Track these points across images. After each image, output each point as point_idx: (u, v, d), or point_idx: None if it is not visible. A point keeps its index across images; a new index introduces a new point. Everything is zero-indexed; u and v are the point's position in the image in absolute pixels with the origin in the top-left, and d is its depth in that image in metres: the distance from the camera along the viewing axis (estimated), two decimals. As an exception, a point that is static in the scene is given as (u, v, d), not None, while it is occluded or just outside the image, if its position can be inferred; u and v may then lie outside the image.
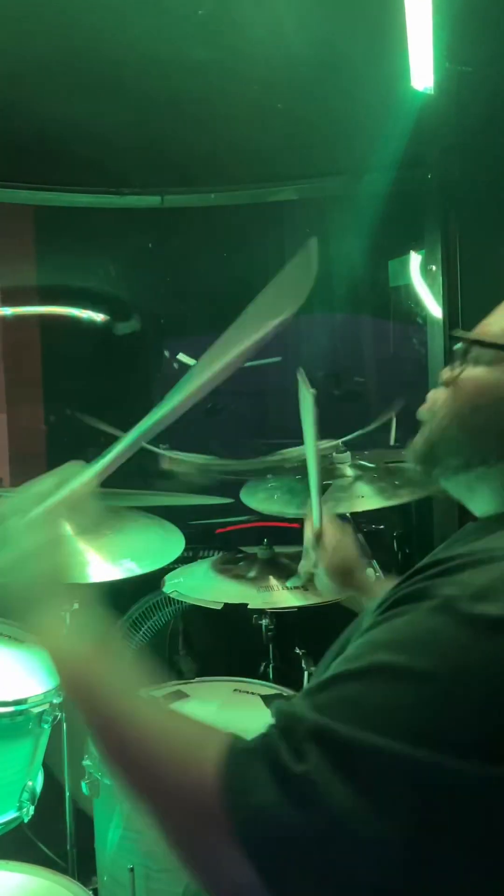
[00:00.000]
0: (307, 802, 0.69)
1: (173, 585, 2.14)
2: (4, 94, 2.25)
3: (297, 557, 2.27)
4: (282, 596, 1.99)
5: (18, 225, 3.10)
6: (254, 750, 0.74)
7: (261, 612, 2.14)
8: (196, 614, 2.41)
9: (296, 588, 1.78)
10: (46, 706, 1.62)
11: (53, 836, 1.99)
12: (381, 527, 2.59)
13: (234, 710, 1.85)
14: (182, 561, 2.06)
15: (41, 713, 1.62)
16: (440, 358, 2.40)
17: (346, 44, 2.12)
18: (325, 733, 0.70)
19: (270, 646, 2.18)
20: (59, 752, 1.86)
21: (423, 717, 0.69)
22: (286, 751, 0.71)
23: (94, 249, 3.15)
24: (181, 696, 1.91)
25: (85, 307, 3.23)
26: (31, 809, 1.66)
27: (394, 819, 0.67)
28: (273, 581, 2.06)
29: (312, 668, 2.02)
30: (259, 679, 2.02)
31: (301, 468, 2.17)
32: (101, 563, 1.75)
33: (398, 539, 2.69)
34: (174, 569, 2.17)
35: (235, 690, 1.94)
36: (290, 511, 2.13)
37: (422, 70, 2.06)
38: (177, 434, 3.43)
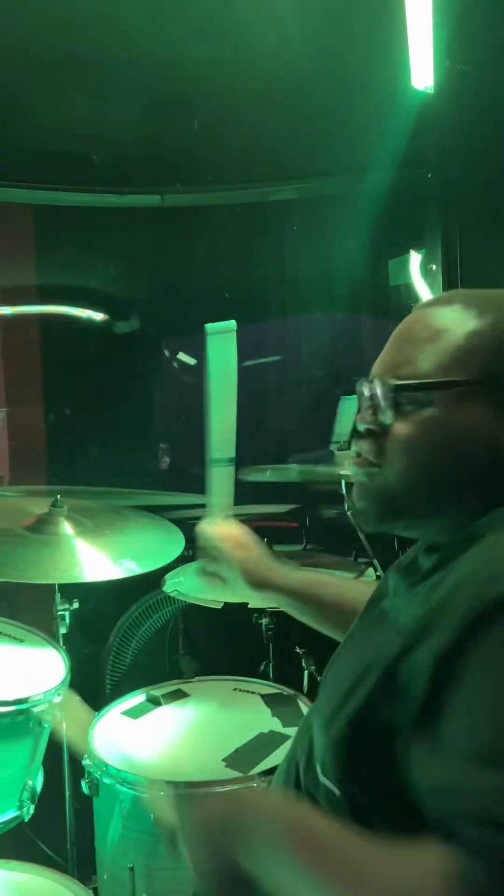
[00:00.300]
0: None
1: (173, 585, 2.14)
2: (5, 94, 2.25)
3: (297, 557, 2.27)
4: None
5: (18, 225, 3.10)
6: (480, 855, 0.71)
7: (261, 612, 2.15)
8: (196, 614, 2.41)
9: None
10: (46, 706, 1.62)
11: (53, 835, 1.99)
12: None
13: (234, 709, 1.85)
14: (182, 560, 2.06)
15: (42, 713, 1.62)
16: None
17: (346, 43, 2.13)
18: None
19: (270, 645, 2.18)
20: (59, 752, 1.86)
21: None
22: None
23: (94, 249, 3.15)
24: (181, 695, 1.91)
25: (85, 307, 3.23)
26: (32, 809, 1.66)
27: None
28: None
29: (312, 668, 2.02)
30: (259, 678, 2.02)
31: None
32: (102, 563, 1.75)
33: (398, 539, 2.68)
34: (174, 568, 2.17)
35: (235, 689, 1.94)
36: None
37: (422, 69, 2.06)
38: (177, 434, 3.44)
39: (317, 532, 2.67)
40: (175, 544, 1.94)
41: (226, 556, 1.41)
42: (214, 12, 2.05)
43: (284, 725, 1.74)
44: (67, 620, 1.92)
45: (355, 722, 0.87)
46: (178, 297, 3.32)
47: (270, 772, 1.52)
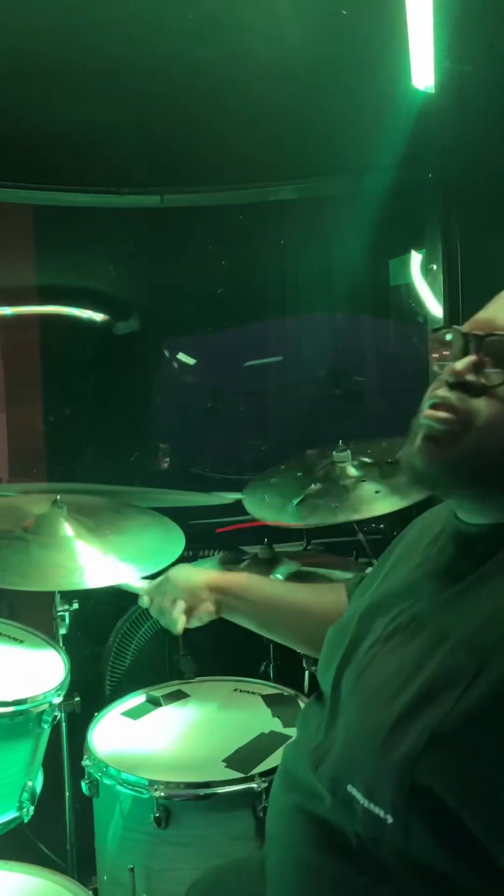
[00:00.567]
0: None
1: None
2: (5, 94, 2.25)
3: (296, 557, 2.27)
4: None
5: (18, 225, 3.10)
6: None
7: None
8: (196, 614, 2.41)
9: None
10: (46, 706, 1.61)
11: (53, 836, 1.99)
12: (381, 526, 2.58)
13: (235, 709, 1.85)
14: (183, 560, 2.05)
15: (41, 713, 1.61)
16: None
17: (346, 43, 2.12)
18: None
19: (271, 645, 2.18)
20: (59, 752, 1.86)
21: None
22: None
23: (94, 249, 3.15)
24: (181, 695, 1.91)
25: (84, 307, 3.23)
26: (31, 809, 1.65)
27: None
28: (273, 581, 2.05)
29: (313, 668, 2.02)
30: (259, 679, 2.01)
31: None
32: (103, 568, 1.74)
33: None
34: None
35: (235, 690, 1.94)
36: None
37: (422, 69, 2.06)
38: (177, 434, 3.44)
39: (317, 532, 2.67)
40: (175, 544, 1.94)
41: (160, 587, 1.47)
42: (214, 12, 2.05)
43: (285, 726, 1.74)
44: (67, 621, 1.91)
45: (427, 748, 0.81)
46: (178, 297, 3.32)
47: (270, 772, 1.52)
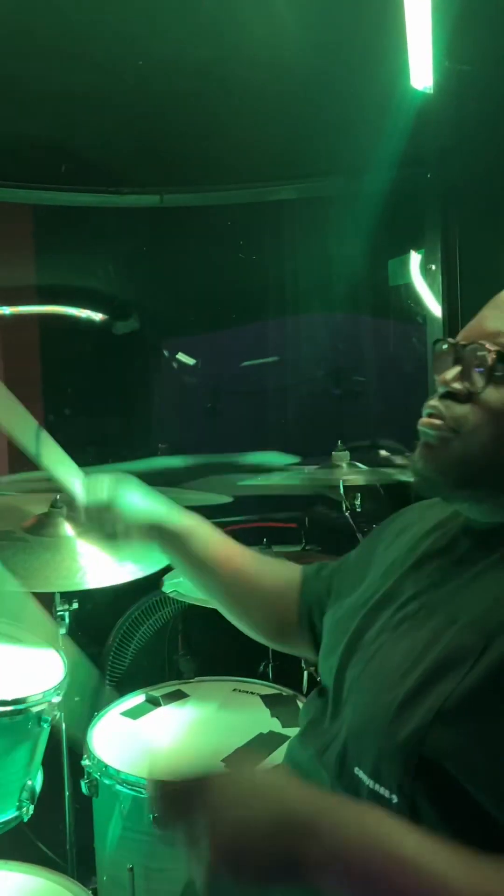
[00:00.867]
0: None
1: (173, 585, 2.14)
2: (5, 95, 2.25)
3: (296, 557, 2.27)
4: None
5: (18, 225, 3.10)
6: None
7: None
8: (196, 614, 2.41)
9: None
10: (46, 706, 1.62)
11: (53, 836, 1.99)
12: (375, 526, 2.59)
13: (234, 709, 1.85)
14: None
15: (41, 713, 1.61)
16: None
17: (345, 43, 2.12)
18: None
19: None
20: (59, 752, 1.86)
21: None
22: None
23: (94, 249, 3.15)
24: (181, 696, 1.91)
25: (84, 307, 3.23)
26: (31, 809, 1.65)
27: None
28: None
29: (312, 668, 2.02)
30: (258, 679, 2.02)
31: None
32: (103, 568, 1.74)
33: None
34: (174, 569, 2.17)
35: (235, 690, 1.94)
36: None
37: (421, 69, 2.06)
38: (176, 433, 3.44)
39: (315, 532, 2.67)
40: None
41: (108, 504, 1.35)
42: (214, 12, 2.05)
43: (284, 726, 1.74)
44: (67, 621, 1.92)
45: (434, 723, 0.83)
46: (178, 297, 3.32)
47: (270, 772, 1.52)
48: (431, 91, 2.11)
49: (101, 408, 3.31)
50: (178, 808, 0.82)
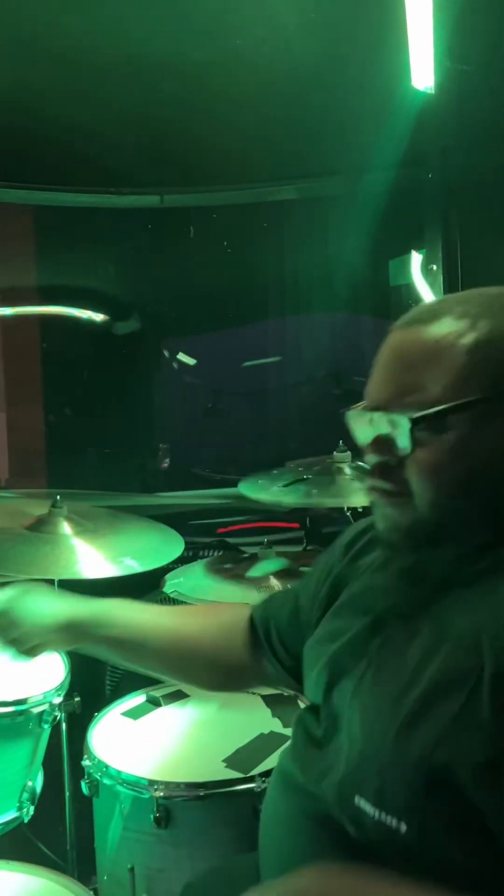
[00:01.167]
0: None
1: (173, 585, 2.13)
2: (5, 95, 2.25)
3: (296, 558, 2.27)
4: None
5: (18, 225, 3.10)
6: None
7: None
8: (196, 614, 2.41)
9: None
10: (46, 706, 1.62)
11: (53, 836, 1.99)
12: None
13: (234, 709, 1.85)
14: (182, 561, 2.05)
15: (41, 713, 1.61)
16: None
17: (346, 43, 2.12)
18: None
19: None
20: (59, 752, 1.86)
21: None
22: None
23: (94, 249, 3.15)
24: (181, 696, 1.91)
25: (85, 307, 3.23)
26: (31, 809, 1.65)
27: None
28: (273, 581, 2.06)
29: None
30: (259, 679, 2.01)
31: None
32: (101, 560, 1.75)
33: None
34: (174, 569, 2.17)
35: (235, 690, 1.94)
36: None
37: (422, 69, 2.06)
38: (177, 434, 3.44)
39: (317, 533, 2.67)
40: (174, 545, 1.94)
41: (10, 614, 1.28)
42: (214, 12, 2.05)
43: (285, 726, 1.74)
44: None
45: (441, 741, 0.82)
46: (178, 297, 3.32)
47: (271, 773, 1.52)
48: (432, 91, 2.11)
49: (101, 408, 3.31)
50: None
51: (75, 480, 3.10)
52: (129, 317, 3.35)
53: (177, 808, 1.50)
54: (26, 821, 1.65)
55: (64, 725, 1.86)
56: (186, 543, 1.96)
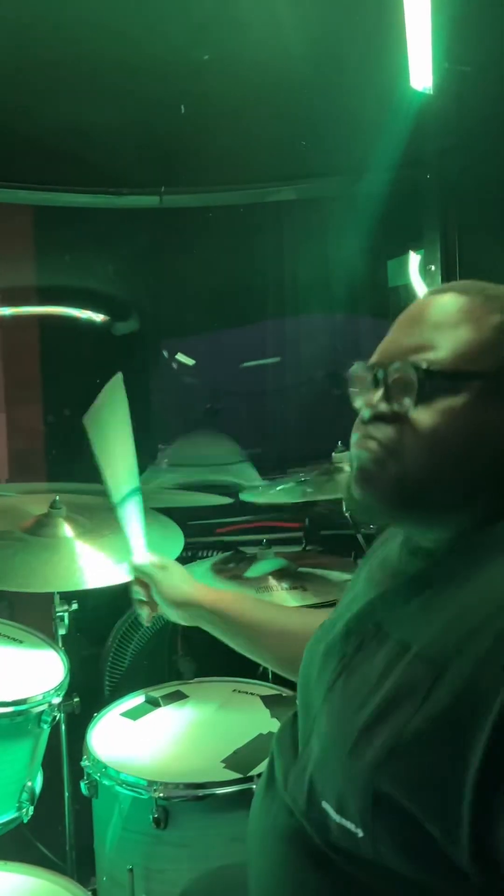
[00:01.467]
0: None
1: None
2: (5, 95, 2.25)
3: (296, 558, 2.27)
4: (281, 596, 2.00)
5: (18, 225, 3.10)
6: None
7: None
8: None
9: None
10: (46, 706, 1.62)
11: (52, 836, 1.99)
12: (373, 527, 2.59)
13: (234, 710, 1.85)
14: (182, 561, 2.04)
15: (40, 713, 1.61)
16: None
17: (345, 44, 2.13)
18: None
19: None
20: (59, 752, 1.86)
21: None
22: None
23: (94, 250, 3.15)
24: (181, 696, 1.91)
25: (84, 307, 3.23)
26: (31, 810, 1.65)
27: None
28: (272, 581, 2.06)
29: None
30: (258, 679, 2.01)
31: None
32: (102, 567, 1.75)
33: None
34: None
35: (235, 691, 1.94)
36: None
37: (421, 70, 2.06)
38: (176, 434, 3.44)
39: (317, 533, 2.67)
40: (175, 544, 1.94)
41: (150, 580, 1.46)
42: (213, 13, 2.05)
43: (284, 726, 1.74)
44: (66, 622, 1.92)
45: (387, 759, 0.81)
46: (178, 298, 3.32)
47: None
48: (431, 92, 2.11)
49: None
50: None
51: (75, 481, 3.10)
52: (129, 317, 3.35)
53: (176, 808, 1.51)
54: (25, 821, 1.65)
55: (63, 726, 1.86)
56: (186, 543, 1.96)
